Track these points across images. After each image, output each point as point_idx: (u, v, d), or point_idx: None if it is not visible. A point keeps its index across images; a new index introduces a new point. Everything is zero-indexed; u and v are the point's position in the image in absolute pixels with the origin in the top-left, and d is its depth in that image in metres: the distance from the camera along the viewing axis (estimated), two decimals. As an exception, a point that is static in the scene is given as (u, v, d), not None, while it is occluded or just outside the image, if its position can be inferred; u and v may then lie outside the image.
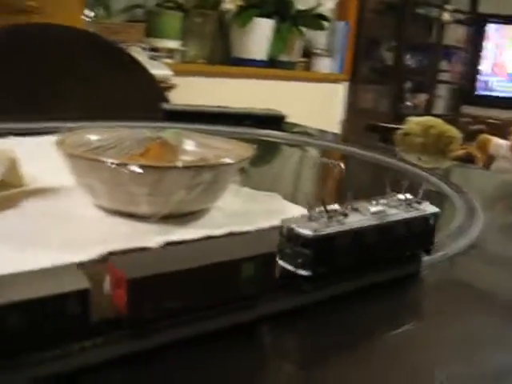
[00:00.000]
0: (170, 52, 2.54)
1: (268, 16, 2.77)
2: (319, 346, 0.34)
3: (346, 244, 0.37)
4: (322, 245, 0.36)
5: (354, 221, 0.38)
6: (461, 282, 0.47)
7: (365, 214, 0.39)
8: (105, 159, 0.44)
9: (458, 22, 3.73)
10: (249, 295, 0.33)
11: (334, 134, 1.25)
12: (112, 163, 0.43)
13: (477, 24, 3.75)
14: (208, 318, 0.32)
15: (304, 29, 2.93)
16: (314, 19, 2.95)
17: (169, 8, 2.55)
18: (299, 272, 0.35)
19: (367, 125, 2.14)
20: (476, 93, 3.83)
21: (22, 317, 0.25)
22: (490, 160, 1.93)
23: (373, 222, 0.39)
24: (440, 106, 3.88)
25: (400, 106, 3.45)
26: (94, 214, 0.50)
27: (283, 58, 2.93)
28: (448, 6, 3.47)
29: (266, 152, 1.00)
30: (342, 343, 0.34)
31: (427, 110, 3.50)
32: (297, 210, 0.55)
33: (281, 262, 0.36)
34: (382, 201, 0.41)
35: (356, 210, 0.39)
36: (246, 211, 0.53)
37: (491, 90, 3.83)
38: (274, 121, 1.14)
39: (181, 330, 0.31)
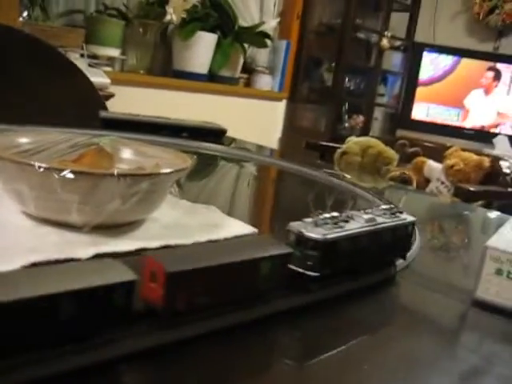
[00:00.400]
0: (110, 60, 2.49)
1: (211, 30, 2.77)
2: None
3: (347, 247, 0.41)
4: (328, 248, 0.39)
5: (354, 227, 0.42)
6: (396, 304, 0.47)
7: (359, 221, 0.43)
8: (33, 162, 0.41)
9: (396, 48, 3.85)
10: (266, 291, 0.35)
11: (272, 150, 1.25)
12: (40, 167, 0.40)
13: (413, 51, 3.88)
14: (230, 311, 0.34)
15: (246, 45, 2.95)
16: (257, 36, 2.97)
17: (110, 15, 2.50)
18: (308, 273, 0.38)
19: (307, 143, 2.15)
20: (411, 117, 3.96)
21: (75, 305, 0.26)
22: (425, 182, 1.98)
23: (369, 228, 0.42)
24: (376, 129, 3.98)
25: (337, 127, 3.51)
26: (22, 222, 0.46)
27: (224, 73, 2.93)
28: (386, 33, 3.58)
29: (205, 165, 0.98)
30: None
31: (364, 132, 3.57)
32: (234, 224, 0.53)
33: (290, 265, 0.38)
34: (369, 210, 0.46)
35: (351, 217, 0.43)
36: (183, 224, 0.51)
37: (426, 116, 3.97)
38: (214, 134, 1.13)
39: (208, 323, 0.33)
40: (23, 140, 0.52)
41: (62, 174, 0.41)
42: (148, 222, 0.49)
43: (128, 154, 0.55)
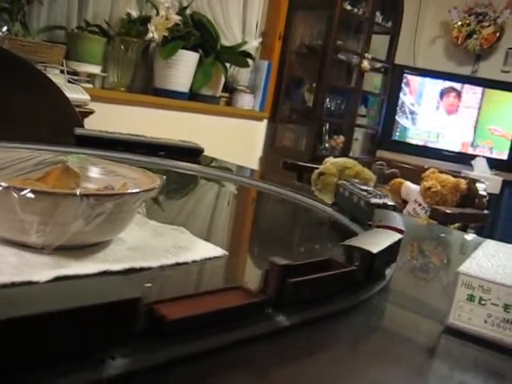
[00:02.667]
0: (91, 77, 2.48)
1: (193, 49, 2.77)
2: None
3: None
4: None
5: None
6: (368, 327, 0.46)
7: None
8: (-9, 181, 0.39)
9: (376, 70, 3.89)
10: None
11: (252, 170, 1.24)
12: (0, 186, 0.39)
13: (394, 74, 3.93)
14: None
15: (228, 65, 2.95)
16: (239, 56, 2.98)
17: (92, 32, 2.49)
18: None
19: (285, 163, 2.15)
20: (392, 139, 3.98)
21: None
22: (402, 204, 1.99)
23: None
24: (357, 149, 4.00)
25: (318, 147, 3.52)
26: (-20, 242, 0.45)
27: (205, 91, 2.93)
28: (367, 55, 3.61)
29: (180, 184, 0.97)
30: None
31: (344, 153, 3.58)
32: (203, 246, 0.52)
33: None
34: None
35: None
36: (150, 245, 0.50)
37: (406, 138, 4.00)
38: (191, 153, 1.12)
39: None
40: (-14, 157, 0.51)
41: (22, 193, 0.39)
42: (113, 244, 0.48)
43: (96, 173, 0.54)
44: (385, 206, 0.69)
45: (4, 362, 0.25)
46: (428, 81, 3.97)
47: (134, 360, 0.29)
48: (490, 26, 3.96)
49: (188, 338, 0.33)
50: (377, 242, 0.49)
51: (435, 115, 3.98)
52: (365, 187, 0.76)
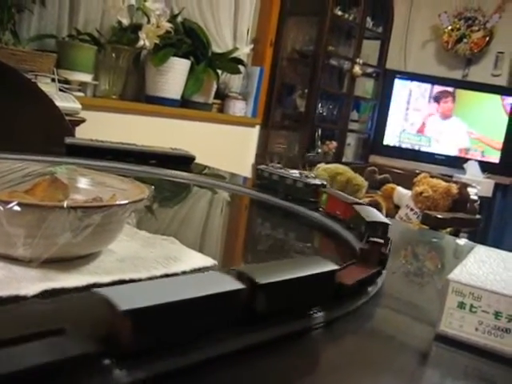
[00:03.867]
0: (82, 85, 2.47)
1: (184, 56, 2.77)
2: None
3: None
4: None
5: None
6: (368, 330, 0.46)
7: None
8: (-24, 195, 0.39)
9: (368, 75, 3.91)
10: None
11: (244, 178, 1.23)
12: (-16, 199, 0.38)
13: (385, 78, 3.94)
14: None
15: (220, 71, 2.96)
16: (230, 63, 2.98)
17: (83, 40, 2.49)
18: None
19: (277, 163, 2.14)
20: (384, 143, 4.00)
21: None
22: (394, 209, 1.99)
23: None
24: (349, 154, 4.01)
25: (311, 153, 3.53)
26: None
27: (197, 98, 2.93)
28: (358, 60, 3.62)
29: (171, 193, 0.96)
30: None
31: (337, 158, 3.59)
32: (193, 256, 0.52)
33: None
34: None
35: None
36: (140, 256, 0.49)
37: (398, 142, 4.01)
38: (182, 161, 1.11)
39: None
40: (-27, 169, 0.50)
41: (8, 206, 0.39)
42: (103, 255, 0.48)
43: (85, 184, 0.53)
44: (322, 186, 0.83)
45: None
46: (419, 85, 3.98)
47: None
48: (479, 30, 3.99)
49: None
50: None
51: (427, 119, 3.99)
52: (293, 171, 0.90)
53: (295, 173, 0.90)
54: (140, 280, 0.44)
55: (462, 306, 0.43)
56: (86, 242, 0.44)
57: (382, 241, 0.55)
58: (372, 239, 0.55)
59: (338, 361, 0.40)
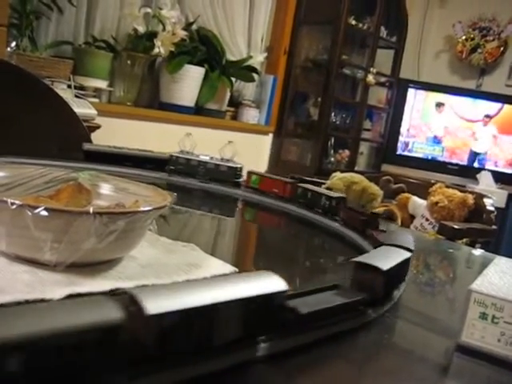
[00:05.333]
0: (97, 92, 2.49)
1: (199, 64, 2.79)
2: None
3: None
4: None
5: None
6: (380, 344, 0.46)
7: None
8: (5, 199, 0.40)
9: (381, 84, 3.90)
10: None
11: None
12: (13, 203, 0.39)
13: (399, 87, 3.94)
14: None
15: (233, 79, 2.97)
16: (244, 71, 2.99)
17: (99, 47, 2.51)
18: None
19: (291, 178, 2.14)
20: (397, 153, 3.99)
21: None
22: (409, 219, 1.98)
23: None
24: (362, 163, 4.00)
25: (323, 161, 3.53)
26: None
27: (211, 106, 2.94)
28: (372, 69, 3.62)
29: (186, 200, 0.97)
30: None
31: (349, 167, 3.59)
32: (214, 263, 0.52)
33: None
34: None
35: None
36: (161, 262, 0.50)
37: (411, 151, 4.00)
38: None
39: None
40: (0, 174, 0.51)
41: (36, 211, 0.40)
42: (125, 261, 0.48)
43: (107, 190, 0.54)
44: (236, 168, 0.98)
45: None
46: (433, 95, 3.97)
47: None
48: (494, 40, 3.98)
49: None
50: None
51: (440, 128, 3.98)
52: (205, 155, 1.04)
53: (209, 157, 1.03)
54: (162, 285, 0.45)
55: (483, 316, 0.43)
56: (109, 248, 0.44)
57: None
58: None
59: (356, 371, 0.40)
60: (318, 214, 0.85)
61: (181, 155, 1.02)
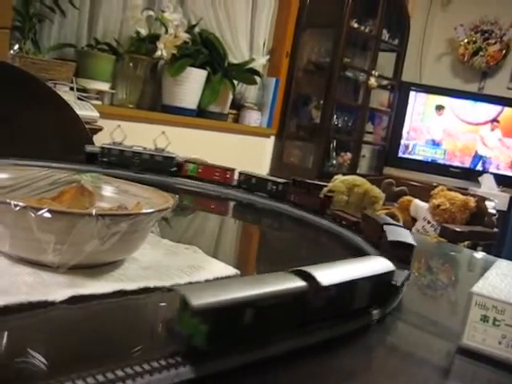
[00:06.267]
0: (99, 94, 2.50)
1: (201, 67, 2.79)
2: None
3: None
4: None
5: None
6: (382, 346, 0.46)
7: None
8: (8, 200, 0.40)
9: (383, 87, 3.90)
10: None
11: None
12: (16, 205, 0.39)
13: (400, 90, 3.94)
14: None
15: (236, 82, 2.97)
16: (246, 73, 3.00)
17: (101, 50, 2.52)
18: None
19: (293, 180, 2.14)
20: (398, 155, 3.99)
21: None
22: (411, 221, 1.98)
23: None
24: (364, 166, 4.00)
25: (325, 164, 3.53)
26: (-4, 260, 0.45)
27: (213, 108, 2.94)
28: (374, 72, 3.62)
29: (188, 201, 0.97)
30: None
31: (351, 169, 3.59)
32: (216, 265, 0.52)
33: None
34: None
35: None
36: (163, 265, 0.50)
37: (412, 154, 4.00)
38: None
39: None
40: (3, 176, 0.51)
41: (39, 213, 0.40)
42: (127, 263, 0.48)
43: (109, 192, 0.54)
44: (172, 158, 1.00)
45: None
46: (434, 98, 3.97)
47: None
48: (496, 43, 3.98)
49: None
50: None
51: (440, 131, 3.98)
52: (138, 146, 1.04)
53: (142, 148, 1.04)
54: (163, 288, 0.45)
55: (485, 319, 0.43)
56: (112, 250, 0.44)
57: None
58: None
59: (359, 373, 0.40)
60: (263, 198, 0.93)
61: (113, 147, 1.02)
